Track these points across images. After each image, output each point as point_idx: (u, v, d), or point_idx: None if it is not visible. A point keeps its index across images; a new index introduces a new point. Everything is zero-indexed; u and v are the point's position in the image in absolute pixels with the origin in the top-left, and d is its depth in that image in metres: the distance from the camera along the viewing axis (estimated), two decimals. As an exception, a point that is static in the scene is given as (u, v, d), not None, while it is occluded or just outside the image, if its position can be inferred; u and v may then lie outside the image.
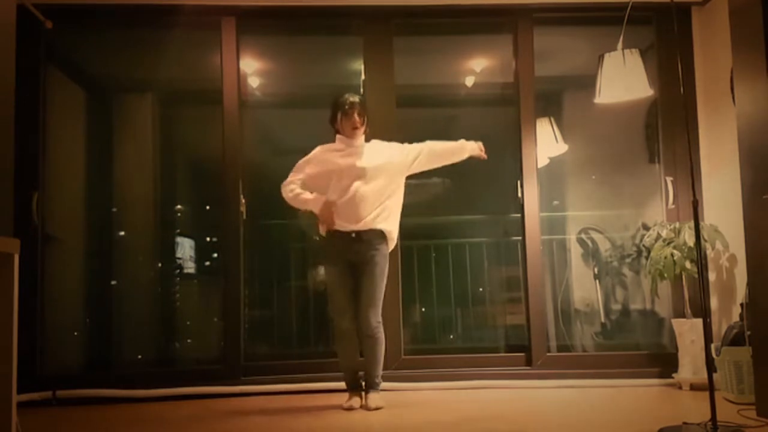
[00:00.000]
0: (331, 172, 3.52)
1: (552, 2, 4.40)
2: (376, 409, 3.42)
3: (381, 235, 3.52)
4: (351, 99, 3.56)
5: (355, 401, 3.51)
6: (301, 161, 3.64)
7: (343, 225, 3.49)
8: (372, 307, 3.46)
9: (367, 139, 3.64)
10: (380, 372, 3.55)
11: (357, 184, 3.47)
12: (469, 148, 3.67)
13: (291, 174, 3.62)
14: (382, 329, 3.51)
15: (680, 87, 3.00)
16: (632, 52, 3.69)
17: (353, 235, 3.48)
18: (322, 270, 4.79)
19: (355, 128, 3.54)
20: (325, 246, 3.59)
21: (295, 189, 3.57)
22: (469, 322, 5.21)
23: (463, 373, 4.17)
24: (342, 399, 3.57)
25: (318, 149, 3.65)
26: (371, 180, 3.50)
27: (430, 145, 3.65)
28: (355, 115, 3.53)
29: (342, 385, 3.65)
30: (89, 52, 4.79)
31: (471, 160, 3.71)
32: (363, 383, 3.56)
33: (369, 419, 3.24)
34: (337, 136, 3.61)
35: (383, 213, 3.53)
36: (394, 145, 3.66)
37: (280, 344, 4.99)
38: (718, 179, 4.25)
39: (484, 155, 3.70)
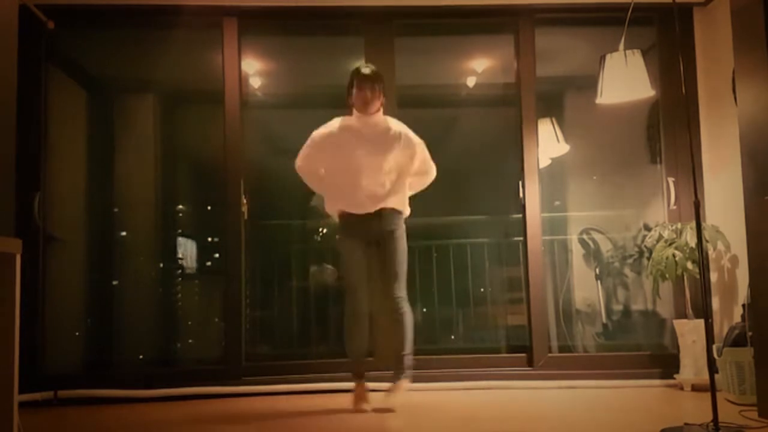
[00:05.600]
0: (345, 152, 3.41)
1: (553, 3, 4.39)
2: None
3: (398, 214, 3.47)
4: (364, 71, 3.44)
5: (364, 401, 3.34)
6: (317, 134, 3.51)
7: (358, 207, 3.40)
8: (397, 281, 3.36)
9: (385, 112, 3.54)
10: (411, 353, 3.37)
11: (371, 164, 3.39)
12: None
13: (307, 147, 3.52)
14: (408, 305, 3.40)
15: (682, 87, 2.99)
16: (634, 53, 3.70)
17: (372, 212, 3.40)
18: (322, 268, 4.79)
19: (366, 104, 3.42)
20: (341, 224, 3.48)
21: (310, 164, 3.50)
22: (470, 322, 5.21)
23: (465, 373, 4.17)
24: (344, 400, 3.55)
25: (336, 125, 3.50)
26: (386, 160, 3.41)
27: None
28: (367, 91, 3.41)
29: (343, 385, 3.63)
30: (91, 52, 4.79)
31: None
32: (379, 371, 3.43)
33: (367, 420, 3.23)
34: (354, 110, 3.49)
35: (399, 193, 3.47)
36: (411, 141, 3.50)
37: (282, 344, 4.98)
38: (719, 180, 4.25)
39: None
